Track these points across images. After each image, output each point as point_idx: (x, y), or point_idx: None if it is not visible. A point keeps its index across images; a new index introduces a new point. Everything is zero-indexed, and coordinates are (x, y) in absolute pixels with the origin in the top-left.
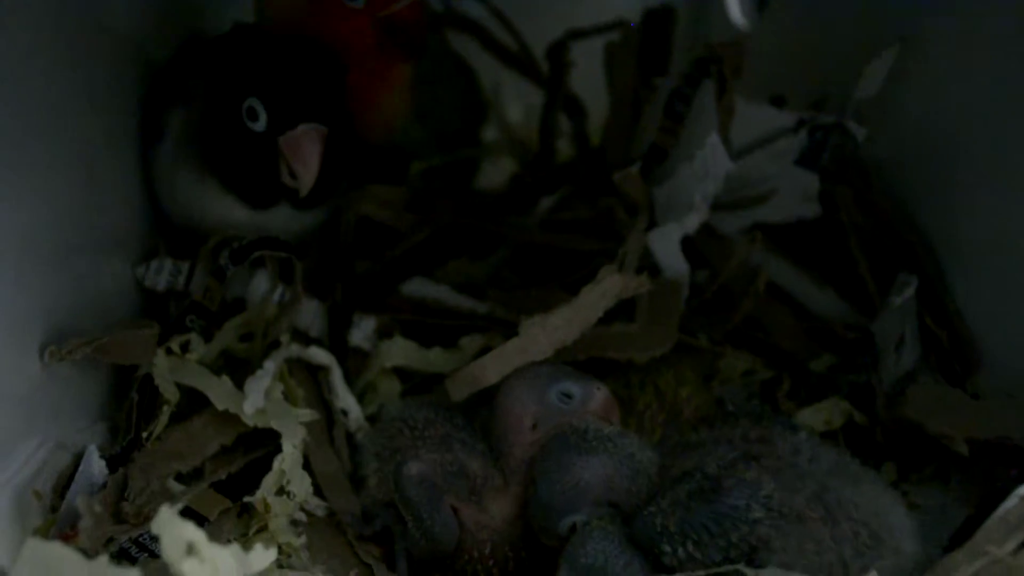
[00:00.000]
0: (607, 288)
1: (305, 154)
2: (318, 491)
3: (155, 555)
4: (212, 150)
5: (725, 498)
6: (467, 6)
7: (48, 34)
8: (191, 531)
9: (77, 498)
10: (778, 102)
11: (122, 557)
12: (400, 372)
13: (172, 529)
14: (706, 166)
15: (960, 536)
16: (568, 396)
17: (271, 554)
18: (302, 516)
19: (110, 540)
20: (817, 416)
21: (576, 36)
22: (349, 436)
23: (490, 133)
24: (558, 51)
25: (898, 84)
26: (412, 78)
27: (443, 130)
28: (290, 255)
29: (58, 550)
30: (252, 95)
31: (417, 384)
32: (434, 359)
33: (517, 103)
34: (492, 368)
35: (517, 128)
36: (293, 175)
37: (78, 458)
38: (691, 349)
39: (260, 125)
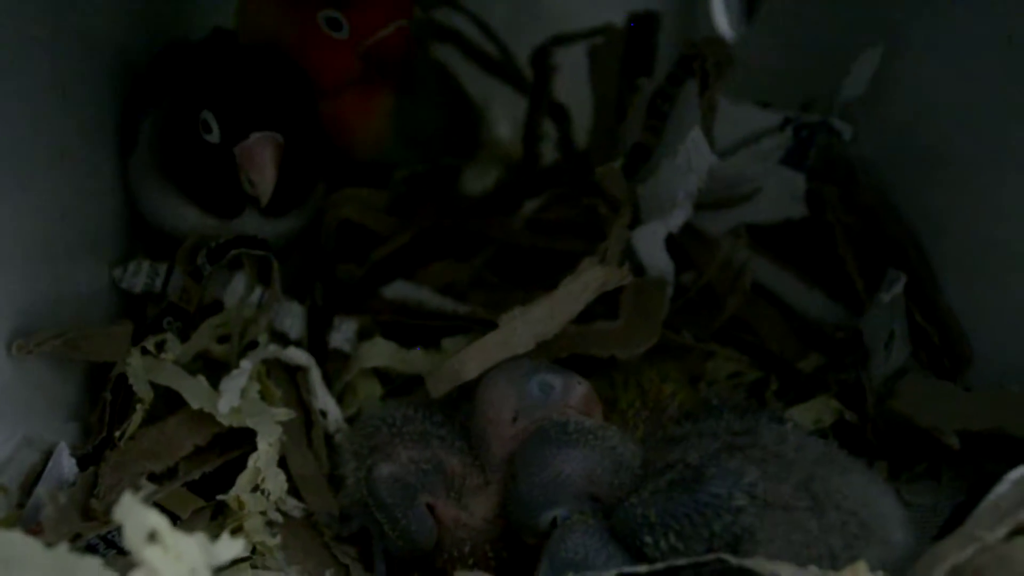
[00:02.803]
0: (588, 280)
1: (259, 163)
2: (295, 492)
3: (124, 552)
4: (172, 161)
5: (707, 487)
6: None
7: (25, 34)
8: (154, 518)
9: (42, 490)
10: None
11: (90, 553)
12: (381, 375)
13: (134, 516)
14: (688, 161)
15: (951, 523)
16: (548, 387)
17: (239, 544)
18: (278, 517)
19: (77, 536)
20: (807, 415)
21: (561, 42)
22: (328, 437)
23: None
24: (542, 56)
25: (884, 83)
26: (396, 102)
27: (428, 149)
28: (268, 254)
29: (18, 539)
30: (204, 108)
31: (398, 386)
32: (415, 360)
33: (505, 120)
34: (472, 363)
35: (504, 144)
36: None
37: (47, 457)
38: (676, 349)
39: (214, 137)
